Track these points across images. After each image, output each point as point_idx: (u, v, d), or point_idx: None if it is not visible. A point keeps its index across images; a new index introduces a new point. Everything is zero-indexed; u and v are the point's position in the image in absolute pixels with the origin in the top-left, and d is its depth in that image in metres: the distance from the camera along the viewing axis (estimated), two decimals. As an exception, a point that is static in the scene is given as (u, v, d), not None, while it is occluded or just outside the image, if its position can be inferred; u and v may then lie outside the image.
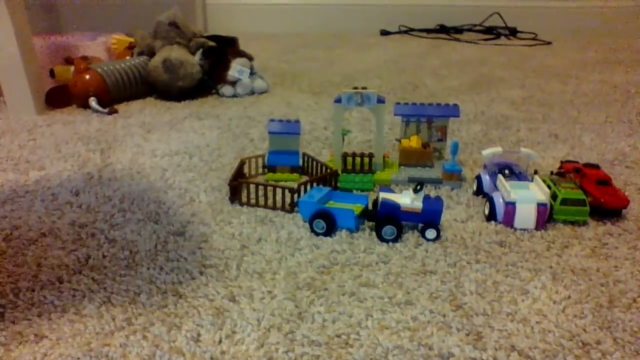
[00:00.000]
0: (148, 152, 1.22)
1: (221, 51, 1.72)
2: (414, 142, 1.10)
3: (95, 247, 0.83)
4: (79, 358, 0.60)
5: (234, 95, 1.71)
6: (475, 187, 1.01)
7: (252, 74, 1.73)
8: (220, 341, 0.63)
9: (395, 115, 1.11)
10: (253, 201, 0.96)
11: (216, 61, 1.71)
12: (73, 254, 0.81)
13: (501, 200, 0.90)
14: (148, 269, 0.77)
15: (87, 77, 1.53)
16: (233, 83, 1.70)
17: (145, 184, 1.06)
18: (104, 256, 0.81)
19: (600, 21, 2.95)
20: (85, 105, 1.54)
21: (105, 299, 0.71)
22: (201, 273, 0.76)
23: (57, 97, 1.56)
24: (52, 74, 1.69)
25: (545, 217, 0.88)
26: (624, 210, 0.93)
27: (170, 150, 1.23)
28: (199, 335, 0.64)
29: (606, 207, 0.90)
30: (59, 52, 1.87)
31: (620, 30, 2.92)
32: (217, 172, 1.11)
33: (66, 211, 0.94)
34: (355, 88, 1.02)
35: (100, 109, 1.51)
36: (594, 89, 1.80)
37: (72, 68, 1.60)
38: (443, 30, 3.01)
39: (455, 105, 1.10)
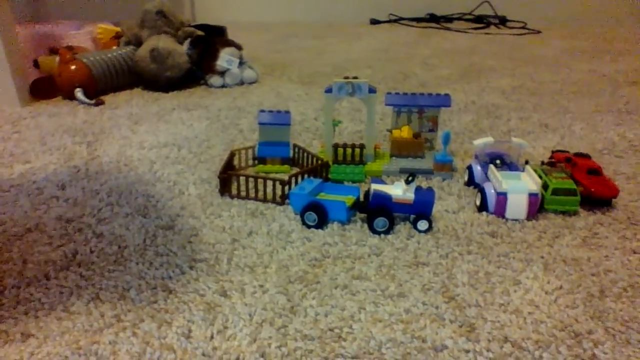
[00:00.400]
0: (136, 144, 1.20)
1: (209, 41, 1.70)
2: (405, 132, 1.09)
3: (83, 242, 0.82)
4: (67, 357, 0.59)
5: (223, 86, 1.69)
6: (466, 178, 1.01)
7: (241, 63, 1.71)
8: (211, 337, 0.62)
9: (386, 105, 1.10)
10: (243, 194, 0.95)
11: (204, 51, 1.69)
12: (60, 249, 0.80)
13: (493, 190, 0.90)
14: (137, 264, 0.76)
15: (73, 67, 1.50)
16: (222, 73, 1.68)
17: (133, 177, 1.04)
18: (91, 251, 0.79)
19: (588, 10, 2.95)
20: (71, 97, 1.51)
21: (94, 295, 0.70)
22: (191, 267, 0.75)
23: (42, 88, 1.53)
24: (36, 64, 1.66)
25: (537, 207, 0.88)
26: (614, 200, 0.93)
27: (159, 142, 1.22)
28: (190, 331, 0.63)
29: (596, 197, 0.90)
30: (43, 41, 1.83)
31: (608, 19, 2.93)
32: (207, 164, 1.10)
33: (52, 205, 0.93)
34: (346, 78, 1.01)
35: (87, 100, 1.48)
36: (583, 78, 1.80)
37: (57, 58, 1.57)
38: (433, 19, 3.00)
39: (447, 95, 1.10)
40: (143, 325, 0.64)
